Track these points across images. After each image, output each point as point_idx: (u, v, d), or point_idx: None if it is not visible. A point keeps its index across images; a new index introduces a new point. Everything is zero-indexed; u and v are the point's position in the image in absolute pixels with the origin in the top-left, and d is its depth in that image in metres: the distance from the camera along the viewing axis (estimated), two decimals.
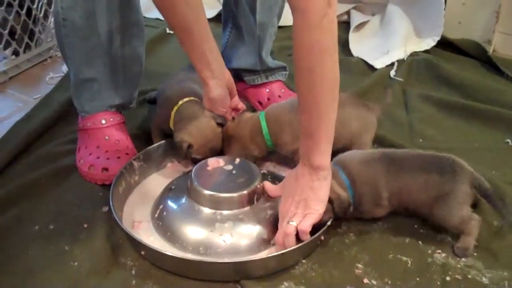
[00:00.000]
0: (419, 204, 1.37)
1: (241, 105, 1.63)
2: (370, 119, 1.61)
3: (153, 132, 1.71)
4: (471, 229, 1.34)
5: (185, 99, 1.59)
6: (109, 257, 1.32)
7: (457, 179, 1.34)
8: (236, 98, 1.62)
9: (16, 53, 2.26)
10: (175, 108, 1.58)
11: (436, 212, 1.35)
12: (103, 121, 1.62)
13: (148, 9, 2.71)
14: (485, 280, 1.26)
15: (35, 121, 1.83)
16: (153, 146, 1.63)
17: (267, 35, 1.86)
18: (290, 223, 1.27)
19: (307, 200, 1.28)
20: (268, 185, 1.40)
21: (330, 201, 1.29)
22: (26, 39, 2.28)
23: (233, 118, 1.59)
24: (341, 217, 1.34)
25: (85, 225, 1.41)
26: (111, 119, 1.63)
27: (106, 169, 1.55)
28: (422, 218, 1.41)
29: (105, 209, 1.46)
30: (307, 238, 1.28)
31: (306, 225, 1.27)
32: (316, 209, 1.28)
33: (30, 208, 1.48)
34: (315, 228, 1.30)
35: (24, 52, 2.29)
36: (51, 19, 2.35)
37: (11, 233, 1.39)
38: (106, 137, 1.61)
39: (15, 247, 1.35)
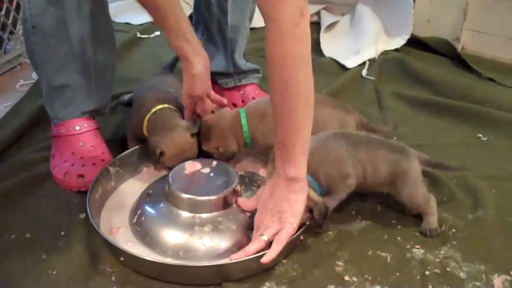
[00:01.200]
0: (381, 181, 1.40)
1: (225, 101, 1.65)
2: (348, 120, 1.62)
3: (128, 137, 1.70)
4: (432, 208, 1.41)
5: (159, 106, 1.58)
6: (88, 264, 1.30)
7: (410, 157, 1.41)
8: (215, 94, 1.63)
9: None
10: (148, 115, 1.57)
11: (401, 190, 1.39)
12: (77, 127, 1.60)
13: (117, 14, 2.70)
14: (462, 275, 1.28)
15: (6, 129, 1.80)
16: (128, 151, 1.61)
17: (239, 37, 1.87)
18: (262, 237, 1.26)
19: (282, 213, 1.26)
20: (242, 200, 1.39)
21: (309, 210, 1.29)
22: None
23: (213, 112, 1.59)
24: (321, 224, 1.33)
25: (62, 233, 1.40)
26: (85, 125, 1.61)
27: (82, 176, 1.53)
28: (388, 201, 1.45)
29: (82, 216, 1.45)
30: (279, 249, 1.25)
31: (282, 241, 1.25)
32: (291, 223, 1.25)
33: (6, 217, 1.45)
34: None
35: None
36: (20, 26, 2.32)
37: None
38: (81, 144, 1.59)
39: None
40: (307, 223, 1.33)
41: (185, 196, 1.36)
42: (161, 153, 1.51)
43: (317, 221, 1.31)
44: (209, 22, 1.88)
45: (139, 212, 1.42)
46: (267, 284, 1.25)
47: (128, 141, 1.69)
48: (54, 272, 1.28)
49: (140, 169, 1.64)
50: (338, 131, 1.46)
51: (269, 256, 1.21)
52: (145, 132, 1.58)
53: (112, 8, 1.68)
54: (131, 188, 1.56)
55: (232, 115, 1.60)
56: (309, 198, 1.29)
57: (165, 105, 1.59)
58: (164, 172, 1.59)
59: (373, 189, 1.43)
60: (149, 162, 1.64)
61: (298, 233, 1.30)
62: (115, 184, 1.56)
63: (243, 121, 1.56)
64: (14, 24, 2.35)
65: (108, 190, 1.53)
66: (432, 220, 1.40)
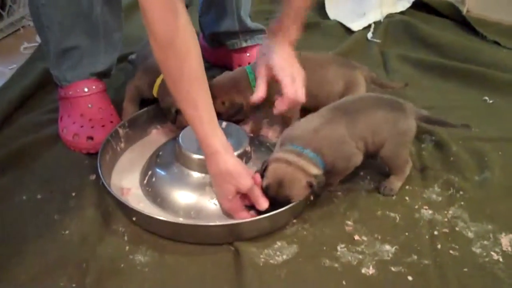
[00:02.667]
0: (382, 142, 1.38)
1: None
2: (355, 76, 1.61)
3: (127, 97, 1.68)
4: (404, 174, 1.43)
5: None
6: (100, 224, 1.32)
7: (407, 115, 1.40)
8: None
9: None
10: (161, 76, 1.56)
11: (388, 146, 1.38)
12: (86, 89, 1.60)
13: None
14: (470, 234, 1.30)
15: (13, 92, 1.80)
16: (137, 113, 1.62)
17: None
18: None
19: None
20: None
21: (310, 185, 1.29)
22: None
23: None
24: (319, 194, 1.34)
25: (73, 194, 1.41)
26: (93, 87, 1.61)
27: (91, 138, 1.54)
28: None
29: (93, 177, 1.46)
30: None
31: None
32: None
33: (16, 178, 1.46)
34: None
35: None
36: None
37: None
38: (89, 105, 1.59)
39: (4, 217, 1.34)
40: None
41: (195, 156, 1.37)
42: (177, 111, 1.51)
43: (317, 193, 1.32)
44: None
45: (149, 173, 1.43)
46: (278, 243, 1.27)
47: (126, 101, 1.68)
48: (67, 232, 1.29)
49: (150, 130, 1.64)
50: (337, 104, 1.43)
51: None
52: (155, 92, 1.58)
53: None
54: (141, 150, 1.57)
55: (236, 72, 1.61)
56: (308, 174, 1.29)
57: None
58: (174, 134, 1.60)
59: (374, 152, 1.42)
60: (159, 124, 1.65)
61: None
62: (125, 146, 1.56)
63: (251, 76, 1.55)
64: None
65: (118, 152, 1.54)
66: (396, 184, 1.42)
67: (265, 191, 1.29)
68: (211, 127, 1.26)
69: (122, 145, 1.56)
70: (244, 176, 1.27)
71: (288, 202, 1.28)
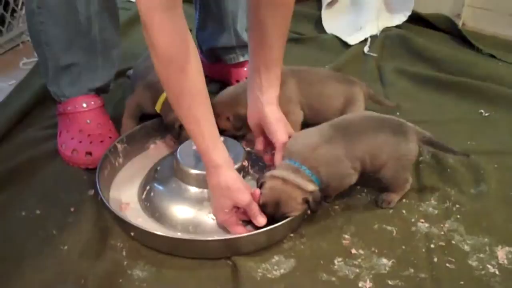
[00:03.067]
0: (381, 164, 1.39)
1: None
2: (354, 92, 1.62)
3: (126, 114, 1.69)
4: (403, 190, 1.43)
5: None
6: (98, 239, 1.32)
7: (408, 138, 1.39)
8: None
9: None
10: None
11: (386, 172, 1.39)
12: (84, 105, 1.61)
13: None
14: (467, 248, 1.31)
15: (12, 108, 1.80)
16: (135, 128, 1.63)
17: (239, 9, 1.86)
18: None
19: None
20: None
21: (306, 201, 1.30)
22: None
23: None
24: (315, 210, 1.35)
25: (72, 209, 1.41)
26: (92, 103, 1.62)
27: (90, 153, 1.55)
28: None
29: (91, 192, 1.47)
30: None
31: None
32: None
33: (15, 194, 1.47)
34: None
35: None
36: (21, 2, 2.32)
37: None
38: (88, 121, 1.60)
39: (3, 233, 1.35)
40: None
41: (193, 171, 1.38)
42: (181, 127, 1.52)
43: (313, 210, 1.33)
44: None
45: (148, 188, 1.44)
46: (276, 257, 1.28)
47: (125, 117, 1.69)
48: (66, 247, 1.30)
49: (147, 146, 1.65)
50: (339, 121, 1.43)
51: None
52: (158, 108, 1.60)
53: None
54: (139, 165, 1.58)
55: (236, 86, 1.64)
56: (304, 190, 1.30)
57: None
58: (171, 149, 1.61)
59: (371, 173, 1.43)
60: (157, 139, 1.66)
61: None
62: (123, 161, 1.57)
63: None
64: (16, 2, 2.33)
65: (116, 167, 1.55)
66: (394, 197, 1.43)
67: (262, 208, 1.31)
68: (212, 142, 1.28)
69: (121, 160, 1.56)
70: (243, 191, 1.28)
71: (285, 218, 1.29)
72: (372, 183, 1.47)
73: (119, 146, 1.55)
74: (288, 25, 1.43)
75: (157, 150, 1.65)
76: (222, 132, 1.54)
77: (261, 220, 1.30)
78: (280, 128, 1.44)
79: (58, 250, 1.29)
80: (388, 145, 1.38)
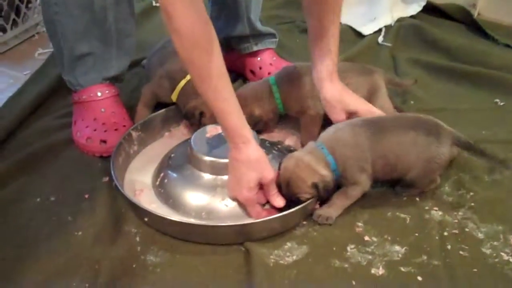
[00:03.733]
0: (407, 166, 1.36)
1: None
2: (376, 81, 1.62)
3: (142, 102, 1.71)
4: (427, 189, 1.41)
5: None
6: (113, 225, 1.34)
7: (441, 140, 1.37)
8: None
9: (3, 30, 2.24)
10: (183, 82, 1.60)
11: (413, 173, 1.37)
12: (99, 93, 1.62)
13: None
14: (480, 235, 1.30)
15: (28, 96, 1.83)
16: (150, 116, 1.64)
17: None
18: None
19: None
20: None
21: (315, 186, 1.30)
22: (13, 16, 2.26)
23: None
24: (324, 198, 1.35)
25: (86, 196, 1.43)
26: (107, 91, 1.64)
27: (104, 141, 1.56)
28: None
29: (105, 179, 1.48)
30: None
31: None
32: None
33: (30, 181, 1.49)
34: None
35: (11, 28, 2.27)
36: None
37: (12, 206, 1.41)
38: (103, 109, 1.62)
39: (18, 220, 1.37)
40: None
41: (207, 158, 1.39)
42: (201, 114, 1.54)
43: (321, 196, 1.33)
44: None
45: (162, 174, 1.45)
46: (289, 244, 1.28)
47: (140, 105, 1.70)
48: (80, 233, 1.31)
49: (162, 133, 1.67)
50: (370, 117, 1.42)
51: None
52: (174, 97, 1.61)
53: None
54: (153, 152, 1.59)
55: (259, 83, 1.63)
56: (316, 172, 1.30)
57: None
58: (185, 137, 1.62)
59: (394, 179, 1.41)
60: (171, 127, 1.68)
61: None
62: (138, 148, 1.59)
63: (274, 88, 1.58)
64: None
65: (130, 154, 1.56)
66: (416, 192, 1.41)
67: (279, 189, 1.32)
68: (241, 119, 1.30)
69: (135, 147, 1.58)
70: (270, 168, 1.31)
71: (300, 203, 1.30)
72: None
73: (133, 133, 1.57)
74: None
75: (171, 137, 1.66)
76: None
77: (279, 201, 1.32)
78: (336, 106, 1.47)
79: (73, 235, 1.31)
80: (417, 146, 1.35)
